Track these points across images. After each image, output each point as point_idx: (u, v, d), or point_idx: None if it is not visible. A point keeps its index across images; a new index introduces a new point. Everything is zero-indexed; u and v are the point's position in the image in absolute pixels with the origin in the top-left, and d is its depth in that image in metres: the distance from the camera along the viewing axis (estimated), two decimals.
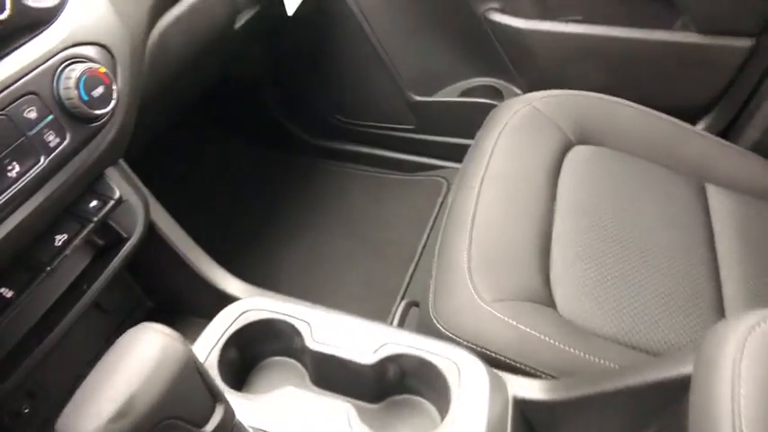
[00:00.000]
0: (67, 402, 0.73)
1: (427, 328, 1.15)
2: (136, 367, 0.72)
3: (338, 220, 2.11)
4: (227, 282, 1.25)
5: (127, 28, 0.99)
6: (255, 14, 1.55)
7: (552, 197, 1.32)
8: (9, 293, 0.89)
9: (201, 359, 1.05)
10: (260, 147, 2.40)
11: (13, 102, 0.78)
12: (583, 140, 1.45)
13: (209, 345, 1.06)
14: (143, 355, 0.74)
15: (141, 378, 0.72)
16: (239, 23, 1.47)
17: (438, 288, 1.18)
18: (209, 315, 1.35)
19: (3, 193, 0.78)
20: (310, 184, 2.25)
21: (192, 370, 0.77)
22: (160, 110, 1.46)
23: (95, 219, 1.00)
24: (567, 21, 1.76)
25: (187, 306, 1.36)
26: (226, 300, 1.24)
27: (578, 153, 1.42)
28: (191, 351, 0.77)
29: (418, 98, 2.04)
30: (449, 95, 2.05)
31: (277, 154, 2.37)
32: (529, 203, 1.29)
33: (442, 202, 2.05)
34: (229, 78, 2.18)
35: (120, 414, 0.68)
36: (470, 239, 1.21)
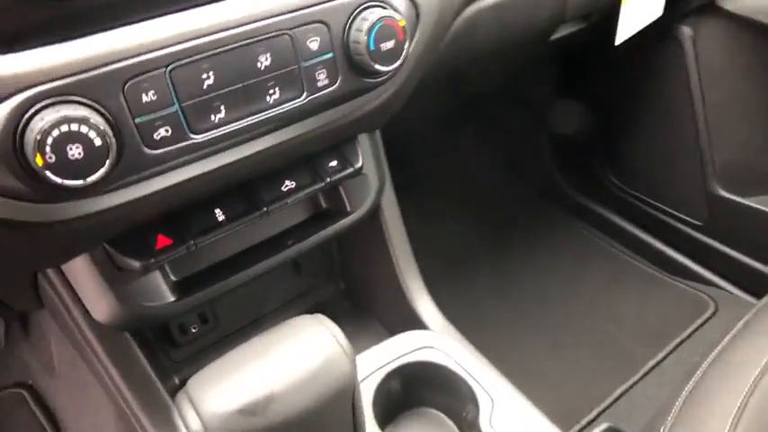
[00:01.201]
0: (215, 360, 0.64)
1: None
2: (292, 366, 0.60)
3: (565, 289, 1.82)
4: (424, 305, 1.09)
5: None
6: (577, 31, 1.36)
7: None
8: (221, 217, 0.85)
9: (364, 373, 0.91)
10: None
11: (302, 25, 0.71)
12: None
13: (377, 362, 0.92)
14: (306, 356, 0.61)
15: (291, 381, 0.59)
16: (557, 35, 1.29)
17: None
18: (389, 325, 1.22)
19: (252, 115, 0.71)
20: (552, 237, 1.99)
21: (346, 398, 0.63)
22: (431, 98, 1.35)
23: (329, 179, 0.91)
24: None
25: (372, 304, 1.25)
26: (414, 322, 1.09)
27: None
28: (354, 378, 0.63)
29: (725, 194, 1.64)
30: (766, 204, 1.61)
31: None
32: None
33: (700, 325, 1.62)
34: (508, 95, 2.03)
35: (252, 410, 0.56)
36: (744, 405, 0.86)
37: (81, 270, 0.80)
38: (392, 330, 1.21)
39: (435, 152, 2.19)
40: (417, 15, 0.82)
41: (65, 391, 1.51)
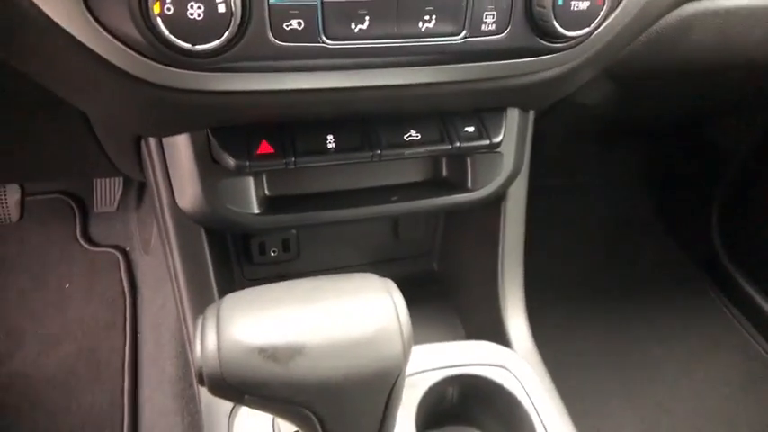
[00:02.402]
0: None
1: None
2: (336, 324, 0.50)
3: (680, 370, 1.58)
4: (515, 319, 0.95)
5: None
6: None
7: None
8: (332, 144, 0.77)
9: (422, 367, 0.81)
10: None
11: None
12: None
13: (440, 360, 0.81)
14: (356, 319, 0.52)
15: (329, 341, 0.50)
16: None
17: None
18: (470, 327, 1.09)
19: (397, 38, 0.61)
20: (688, 309, 1.73)
21: (385, 383, 0.52)
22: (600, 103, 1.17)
23: (458, 144, 0.80)
24: None
25: (461, 298, 1.12)
26: (498, 334, 0.96)
27: None
28: (402, 364, 0.52)
29: None
30: None
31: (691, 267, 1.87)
32: None
33: None
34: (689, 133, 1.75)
35: (273, 354, 0.47)
36: None
37: (179, 150, 0.76)
38: (471, 334, 1.08)
39: (578, 166, 1.97)
40: None
41: (151, 269, 1.57)
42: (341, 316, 0.50)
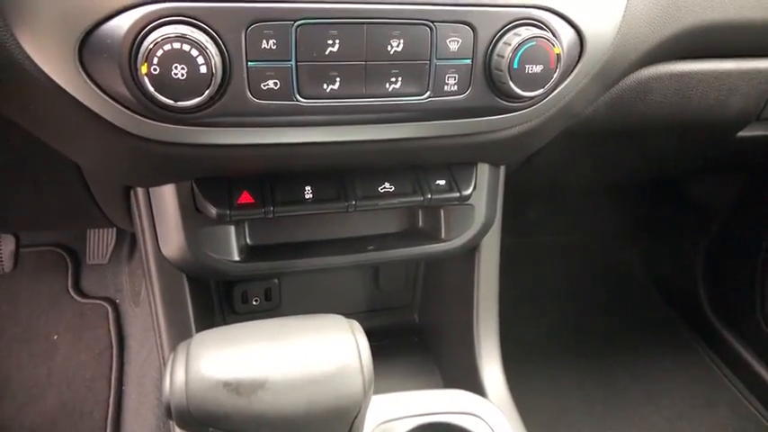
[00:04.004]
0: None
1: None
2: (298, 360, 0.53)
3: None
4: (490, 368, 0.97)
5: (624, 40, 0.77)
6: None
7: None
8: (309, 195, 0.81)
9: (395, 414, 0.82)
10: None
11: (447, 22, 0.65)
12: None
13: (413, 408, 0.82)
14: (318, 356, 0.54)
15: (290, 376, 0.52)
16: (749, 133, 1.11)
17: None
18: (447, 376, 1.10)
19: (366, 98, 0.66)
20: (672, 361, 1.73)
21: (344, 420, 0.54)
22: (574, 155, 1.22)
23: (430, 196, 0.84)
24: None
25: (438, 347, 1.14)
26: (473, 383, 0.97)
27: None
28: (362, 401, 0.54)
29: None
30: None
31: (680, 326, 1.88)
32: None
33: None
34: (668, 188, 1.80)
35: (237, 388, 0.50)
36: None
37: (165, 200, 0.80)
38: (448, 383, 1.09)
39: (558, 214, 2.01)
40: (582, 49, 0.73)
41: (139, 321, 1.58)
42: (304, 353, 0.53)
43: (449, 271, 1.05)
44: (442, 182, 0.86)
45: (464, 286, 1.01)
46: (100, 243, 1.75)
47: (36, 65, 0.61)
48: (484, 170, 0.90)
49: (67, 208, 1.10)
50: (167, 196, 0.80)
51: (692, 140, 1.19)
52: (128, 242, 1.77)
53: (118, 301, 1.71)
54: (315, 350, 0.53)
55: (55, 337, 1.63)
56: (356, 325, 0.59)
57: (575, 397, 1.59)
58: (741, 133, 1.14)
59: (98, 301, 1.70)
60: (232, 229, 0.84)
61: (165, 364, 0.89)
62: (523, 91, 0.69)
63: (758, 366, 1.64)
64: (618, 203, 2.03)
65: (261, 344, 0.53)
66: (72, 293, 1.73)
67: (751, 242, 1.69)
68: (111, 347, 1.59)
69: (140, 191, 0.83)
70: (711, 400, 1.65)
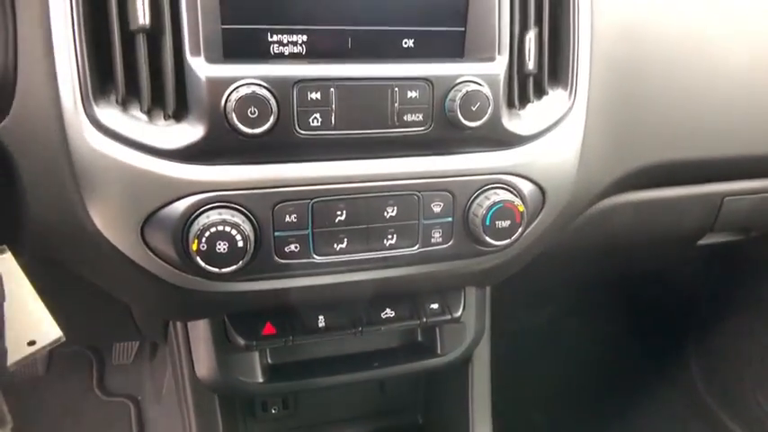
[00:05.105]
0: None
1: None
2: None
3: None
4: None
5: (581, 184, 0.94)
6: (733, 240, 1.30)
7: None
8: (322, 323, 0.96)
9: None
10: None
11: (431, 191, 0.82)
12: None
13: None
14: None
15: None
16: (708, 241, 1.25)
17: None
18: None
19: (369, 251, 0.82)
20: None
21: None
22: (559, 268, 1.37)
23: (425, 320, 0.99)
24: None
25: None
26: None
27: None
28: None
29: None
30: None
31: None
32: None
33: None
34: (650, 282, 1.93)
35: None
36: None
37: (200, 331, 0.95)
38: None
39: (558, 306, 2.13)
40: (543, 200, 0.89)
41: (161, 418, 1.69)
42: None
43: (448, 377, 1.17)
44: (435, 305, 1.01)
45: (461, 392, 1.14)
46: (126, 345, 1.88)
47: (103, 235, 0.76)
48: (472, 292, 1.05)
49: (108, 326, 1.24)
50: (202, 329, 0.94)
51: (660, 249, 1.34)
52: (149, 343, 1.90)
53: (140, 398, 1.82)
54: None
55: None
56: None
57: None
58: (701, 242, 1.29)
59: (121, 399, 1.80)
60: (257, 354, 0.98)
61: None
62: (495, 241, 0.84)
63: None
64: (610, 290, 2.15)
65: None
66: (97, 392, 1.84)
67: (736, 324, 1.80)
68: None
69: (179, 323, 0.98)
70: None
